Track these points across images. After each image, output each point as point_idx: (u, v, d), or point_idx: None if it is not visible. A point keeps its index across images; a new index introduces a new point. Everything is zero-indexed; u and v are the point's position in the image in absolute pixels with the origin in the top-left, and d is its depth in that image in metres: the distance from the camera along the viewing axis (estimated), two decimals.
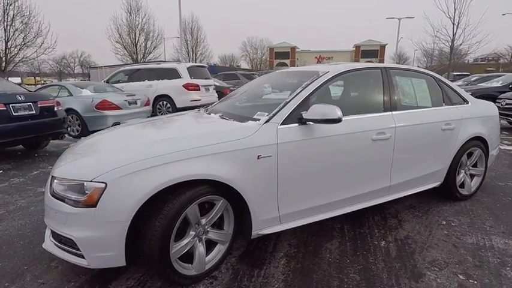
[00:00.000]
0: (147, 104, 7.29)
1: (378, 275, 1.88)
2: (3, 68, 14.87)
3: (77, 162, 1.77)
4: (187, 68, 8.53)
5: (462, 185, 2.95)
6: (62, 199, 1.63)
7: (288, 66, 57.67)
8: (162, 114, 8.56)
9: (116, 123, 6.35)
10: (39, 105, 4.56)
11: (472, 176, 3.05)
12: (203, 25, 62.39)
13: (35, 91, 6.99)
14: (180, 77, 8.42)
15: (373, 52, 55.54)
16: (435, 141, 2.62)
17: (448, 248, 2.18)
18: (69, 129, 6.38)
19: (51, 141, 5.53)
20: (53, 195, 1.69)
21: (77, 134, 6.33)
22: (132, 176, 1.57)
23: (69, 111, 6.31)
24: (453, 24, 17.35)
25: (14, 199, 3.13)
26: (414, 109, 2.59)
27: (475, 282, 1.81)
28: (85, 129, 6.26)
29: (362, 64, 2.51)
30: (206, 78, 9.22)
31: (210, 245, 1.92)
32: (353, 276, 1.86)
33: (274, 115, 2.01)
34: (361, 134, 2.21)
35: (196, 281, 1.81)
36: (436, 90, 2.83)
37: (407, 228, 2.46)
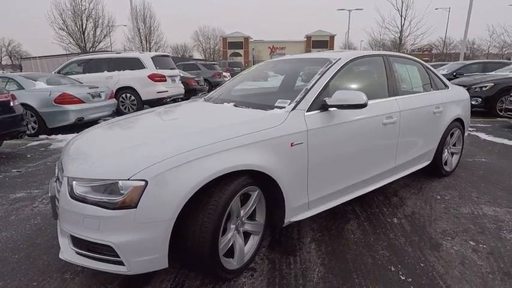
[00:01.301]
0: (111, 97, 6.75)
1: (403, 249, 2.01)
2: None
3: (103, 159, 1.58)
4: (152, 58, 8.04)
5: (445, 163, 3.26)
6: (90, 202, 1.46)
7: (242, 56, 57.46)
8: (126, 108, 8.01)
9: (80, 119, 5.81)
10: None
11: (452, 154, 3.39)
12: (156, 12, 58.90)
13: None
14: (144, 67, 7.91)
15: (324, 42, 57.77)
16: (428, 123, 2.85)
17: (451, 219, 2.41)
18: None
19: (4, 141, 4.85)
20: (75, 199, 1.50)
21: (33, 132, 5.64)
22: (175, 171, 1.46)
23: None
24: (401, 16, 18.79)
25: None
26: (411, 94, 2.78)
27: (485, 246, 2.04)
28: (43, 127, 5.60)
29: (367, 52, 2.61)
30: (171, 69, 8.81)
31: (244, 237, 1.88)
32: (383, 253, 1.97)
33: (299, 102, 2.01)
34: (374, 118, 2.31)
35: (238, 274, 1.76)
36: (425, 76, 3.06)
37: (410, 204, 2.66)
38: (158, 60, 8.26)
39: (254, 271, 1.82)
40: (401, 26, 18.98)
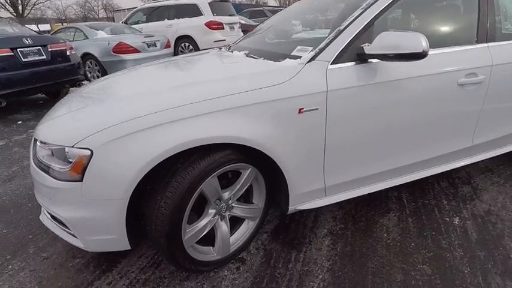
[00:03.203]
0: (167, 46, 6.70)
1: (457, 267, 1.42)
2: (20, 12, 14.47)
3: (60, 119, 1.35)
4: (209, 3, 7.59)
5: None
6: (45, 169, 1.26)
7: None
8: None
9: None
10: (49, 50, 4.16)
11: None
12: None
13: (51, 34, 6.61)
14: (202, 14, 7.56)
15: None
16: None
17: None
18: (89, 75, 6.08)
19: (70, 88, 5.27)
20: (35, 164, 1.32)
21: None
22: (125, 140, 1.13)
23: (86, 56, 5.93)
24: None
25: (29, 153, 2.92)
26: None
27: None
28: (105, 75, 5.90)
29: None
30: (230, 15, 8.27)
31: (237, 221, 1.54)
32: (422, 268, 1.42)
33: (322, 50, 1.42)
34: (444, 76, 1.57)
35: (220, 265, 1.46)
36: None
37: (487, 200, 1.92)
38: (216, 6, 7.78)
39: (242, 263, 1.50)
40: None
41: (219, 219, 1.41)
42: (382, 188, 1.67)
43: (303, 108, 1.33)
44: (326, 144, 1.43)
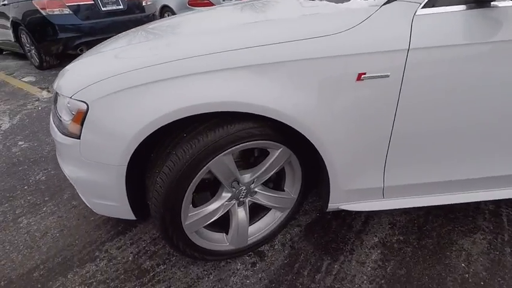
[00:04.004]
0: None
1: None
2: None
3: (76, 65, 1.20)
4: None
5: None
6: (56, 121, 1.14)
7: None
8: None
9: None
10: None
11: None
12: None
13: None
14: None
15: None
16: None
17: None
18: None
19: None
20: (52, 116, 1.23)
21: None
22: (123, 95, 0.91)
23: (165, 8, 5.99)
24: None
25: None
26: None
27: None
28: None
29: None
30: None
31: (263, 208, 1.27)
32: None
33: None
34: None
35: (233, 256, 1.24)
36: None
37: None
38: None
39: (261, 259, 1.24)
40: None
41: (236, 204, 1.15)
42: (473, 200, 1.17)
43: (364, 73, 0.90)
44: (394, 129, 0.99)
